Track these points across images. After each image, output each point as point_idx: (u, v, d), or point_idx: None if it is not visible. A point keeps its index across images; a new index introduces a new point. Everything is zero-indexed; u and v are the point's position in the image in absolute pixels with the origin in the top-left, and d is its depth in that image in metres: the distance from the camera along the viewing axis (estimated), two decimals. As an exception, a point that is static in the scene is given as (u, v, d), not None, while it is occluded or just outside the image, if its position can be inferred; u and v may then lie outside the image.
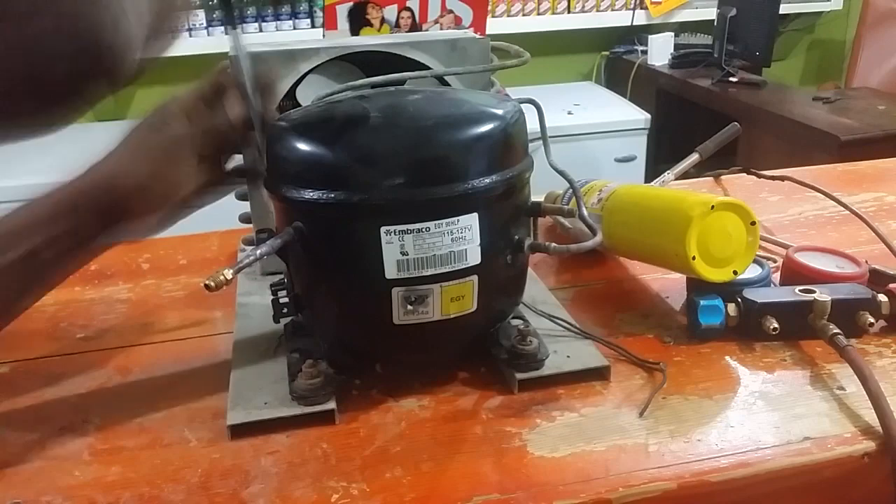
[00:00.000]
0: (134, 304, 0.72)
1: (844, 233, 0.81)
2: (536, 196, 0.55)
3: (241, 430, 0.51)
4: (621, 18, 2.81)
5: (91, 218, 0.51)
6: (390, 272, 0.49)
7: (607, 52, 2.91)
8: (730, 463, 0.48)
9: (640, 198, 0.68)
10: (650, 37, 2.78)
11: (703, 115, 2.43)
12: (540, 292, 0.67)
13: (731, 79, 2.47)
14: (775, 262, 0.71)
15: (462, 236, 0.49)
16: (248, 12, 2.45)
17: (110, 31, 0.40)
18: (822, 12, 3.13)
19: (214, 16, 2.42)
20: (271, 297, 0.55)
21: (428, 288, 0.50)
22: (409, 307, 0.50)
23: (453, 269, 0.50)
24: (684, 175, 0.95)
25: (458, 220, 0.49)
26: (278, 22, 2.47)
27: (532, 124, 0.55)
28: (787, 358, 0.58)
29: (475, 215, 0.49)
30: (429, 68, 0.67)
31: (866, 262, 0.65)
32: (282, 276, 0.55)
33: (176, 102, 0.53)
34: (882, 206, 0.88)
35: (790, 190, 0.91)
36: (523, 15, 2.68)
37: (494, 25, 2.55)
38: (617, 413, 0.53)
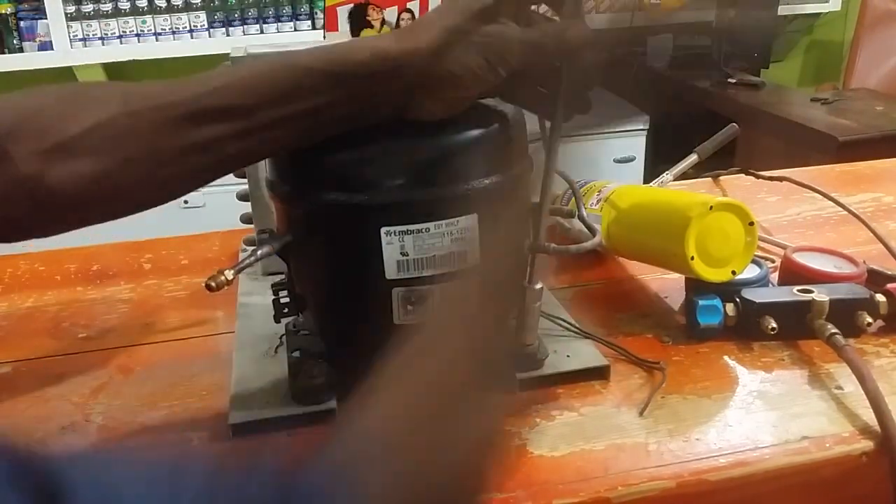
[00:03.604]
0: (135, 304, 0.72)
1: (842, 233, 0.81)
2: (536, 196, 0.55)
3: (242, 430, 0.51)
4: (620, 20, 2.81)
5: (377, 86, 0.46)
6: (390, 273, 0.49)
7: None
8: (728, 462, 0.48)
9: (639, 198, 0.68)
10: (649, 38, 2.78)
11: (701, 116, 2.43)
12: (539, 292, 0.68)
13: (730, 80, 2.48)
14: (773, 262, 0.71)
15: (462, 237, 0.49)
16: (249, 13, 2.45)
17: None
18: (820, 13, 3.13)
19: (215, 17, 2.42)
20: (272, 297, 0.55)
21: (428, 288, 0.50)
22: (410, 307, 0.50)
23: (453, 269, 0.50)
24: (683, 176, 0.95)
25: (457, 221, 0.49)
26: (279, 23, 2.47)
27: (532, 124, 0.55)
28: (785, 357, 0.59)
29: (475, 216, 0.50)
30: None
31: (864, 262, 0.66)
32: (283, 276, 0.56)
33: None
34: (880, 207, 0.89)
35: (788, 190, 0.91)
36: (522, 16, 2.67)
37: (494, 26, 2.55)
38: (616, 412, 0.53)
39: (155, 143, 0.44)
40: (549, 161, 0.52)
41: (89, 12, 2.37)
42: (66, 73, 2.42)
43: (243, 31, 2.45)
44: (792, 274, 0.65)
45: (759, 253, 0.73)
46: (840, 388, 0.55)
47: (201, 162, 0.46)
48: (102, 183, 0.44)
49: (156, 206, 0.48)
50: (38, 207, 0.45)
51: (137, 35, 2.40)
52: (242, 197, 0.70)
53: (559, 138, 0.51)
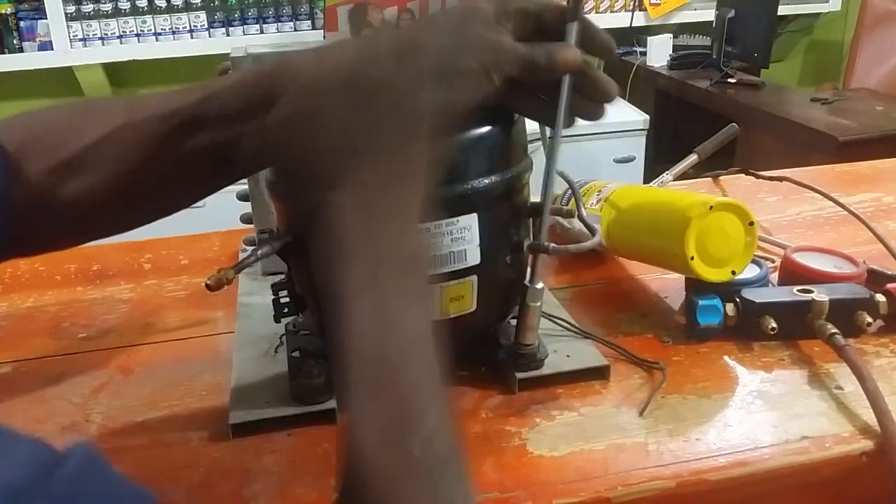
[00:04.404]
0: (135, 304, 0.72)
1: (842, 233, 0.81)
2: (536, 196, 0.55)
3: (242, 430, 0.51)
4: (620, 20, 2.82)
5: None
6: (391, 272, 0.49)
7: (606, 54, 2.91)
8: (728, 462, 0.48)
9: (638, 198, 0.68)
10: (649, 38, 2.78)
11: (701, 116, 2.43)
12: (539, 292, 0.67)
13: (730, 80, 2.48)
14: (773, 262, 0.71)
15: (461, 237, 0.49)
16: (249, 13, 2.45)
17: None
18: (820, 13, 3.14)
19: (215, 17, 2.42)
20: (272, 297, 0.55)
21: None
22: (410, 307, 0.50)
23: (453, 269, 0.50)
24: (683, 176, 0.95)
25: (457, 221, 0.49)
26: (279, 23, 2.48)
27: (532, 125, 0.55)
28: (785, 357, 0.59)
29: (474, 216, 0.50)
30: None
31: (864, 262, 0.66)
32: (283, 276, 0.56)
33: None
34: (880, 207, 0.89)
35: (788, 190, 0.91)
36: (522, 16, 2.67)
37: (494, 26, 2.55)
38: (616, 412, 0.53)
39: (158, 151, 0.45)
40: (549, 165, 0.52)
41: (89, 12, 2.37)
42: (66, 73, 2.43)
43: (243, 31, 2.45)
44: (792, 274, 0.65)
45: (759, 253, 0.73)
46: (840, 388, 0.55)
47: (204, 169, 0.46)
48: (111, 194, 0.45)
49: (166, 215, 0.48)
50: (54, 222, 0.46)
51: (137, 35, 2.40)
52: (242, 197, 0.70)
53: (559, 145, 0.51)
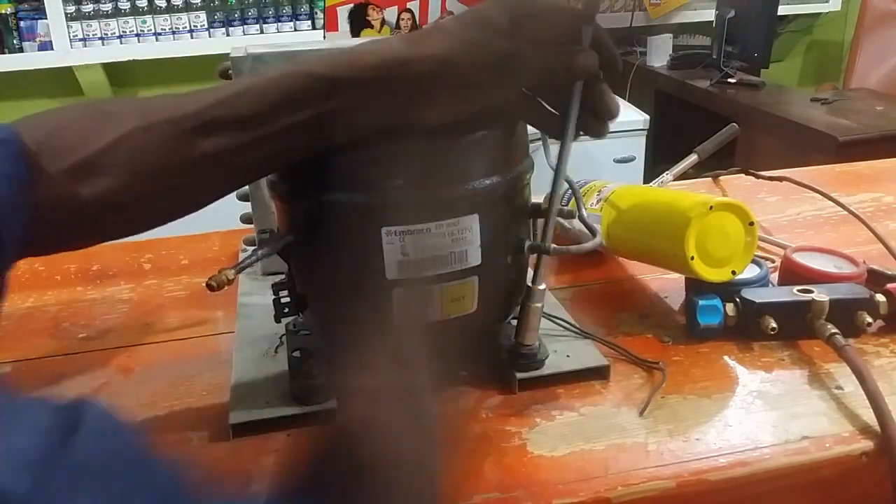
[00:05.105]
0: (135, 304, 0.72)
1: (842, 233, 0.81)
2: (536, 197, 0.55)
3: (242, 429, 0.51)
4: (620, 20, 2.82)
5: (366, 96, 0.45)
6: (391, 273, 0.49)
7: (606, 53, 2.91)
8: (728, 462, 0.48)
9: (639, 198, 0.68)
10: (649, 38, 2.78)
11: (701, 116, 2.43)
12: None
13: (730, 80, 2.48)
14: (773, 262, 0.71)
15: (462, 237, 0.49)
16: (249, 13, 2.45)
17: None
18: (820, 13, 3.14)
19: (215, 17, 2.42)
20: (272, 297, 0.55)
21: (428, 289, 0.50)
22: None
23: (454, 269, 0.50)
24: (683, 176, 0.95)
25: (458, 222, 0.49)
26: (279, 23, 2.48)
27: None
28: (785, 357, 0.59)
29: (476, 216, 0.50)
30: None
31: (864, 262, 0.66)
32: (283, 276, 0.56)
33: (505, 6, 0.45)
34: (880, 207, 0.89)
35: (788, 190, 0.91)
36: (522, 16, 2.67)
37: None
38: (616, 412, 0.53)
39: (168, 155, 0.45)
40: (558, 172, 0.53)
41: (89, 12, 2.37)
42: (66, 73, 2.42)
43: (243, 31, 2.45)
44: (792, 274, 0.65)
45: (759, 253, 0.73)
46: (840, 388, 0.55)
47: (213, 173, 0.46)
48: (123, 197, 0.45)
49: (175, 218, 0.49)
50: (70, 222, 0.46)
51: (137, 35, 2.40)
52: (242, 197, 0.70)
53: (568, 152, 0.51)
